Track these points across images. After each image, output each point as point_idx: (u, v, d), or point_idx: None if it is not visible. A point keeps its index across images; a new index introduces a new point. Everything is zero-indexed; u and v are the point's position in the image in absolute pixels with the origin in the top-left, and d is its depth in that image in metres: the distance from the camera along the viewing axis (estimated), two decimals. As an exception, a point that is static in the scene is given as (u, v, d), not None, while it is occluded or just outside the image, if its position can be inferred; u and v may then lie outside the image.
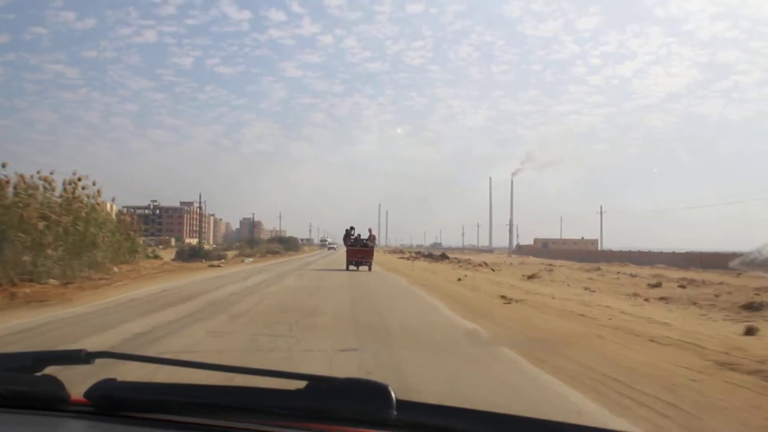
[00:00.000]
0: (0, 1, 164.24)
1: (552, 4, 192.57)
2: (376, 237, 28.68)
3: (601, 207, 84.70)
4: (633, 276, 24.07)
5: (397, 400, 1.09)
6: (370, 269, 26.58)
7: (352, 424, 1.10)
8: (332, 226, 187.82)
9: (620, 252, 54.79)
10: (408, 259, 46.12)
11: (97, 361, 1.27)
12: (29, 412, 1.18)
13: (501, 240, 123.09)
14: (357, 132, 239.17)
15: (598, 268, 30.13)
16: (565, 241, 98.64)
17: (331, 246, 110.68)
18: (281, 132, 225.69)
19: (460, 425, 1.07)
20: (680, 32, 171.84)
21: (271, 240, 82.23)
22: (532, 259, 53.82)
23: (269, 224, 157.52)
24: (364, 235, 28.57)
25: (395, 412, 1.07)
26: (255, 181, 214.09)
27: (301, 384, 1.14)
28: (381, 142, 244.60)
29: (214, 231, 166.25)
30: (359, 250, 27.20)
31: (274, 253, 51.94)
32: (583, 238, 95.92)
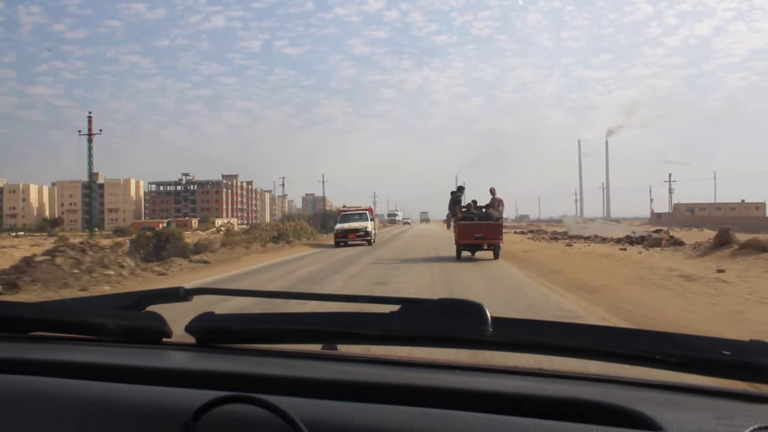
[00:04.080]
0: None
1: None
2: (503, 202, 17.95)
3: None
4: None
5: (492, 317, 1.03)
6: (496, 256, 16.40)
7: (448, 344, 1.09)
8: (404, 200, 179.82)
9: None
10: (529, 238, 33.19)
11: (196, 298, 1.27)
12: (137, 346, 1.21)
13: (592, 209, 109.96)
14: (428, 106, 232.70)
15: None
16: (719, 206, 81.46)
17: (406, 221, 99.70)
18: (352, 109, 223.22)
19: (557, 340, 1.05)
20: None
21: (314, 216, 60.37)
22: (702, 231, 38.14)
23: (338, 201, 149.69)
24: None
25: (491, 329, 1.01)
26: (325, 158, 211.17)
27: (395, 308, 1.09)
28: (452, 115, 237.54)
29: (271, 209, 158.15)
30: (480, 226, 16.63)
31: (288, 240, 29.32)
32: (743, 201, 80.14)
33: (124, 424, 0.86)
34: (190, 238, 28.95)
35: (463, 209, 17.31)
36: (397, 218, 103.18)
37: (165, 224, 74.86)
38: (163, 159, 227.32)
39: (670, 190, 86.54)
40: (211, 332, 1.20)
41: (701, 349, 1.00)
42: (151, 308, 1.28)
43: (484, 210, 17.53)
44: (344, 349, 1.26)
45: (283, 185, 75.80)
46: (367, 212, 28.72)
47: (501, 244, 16.57)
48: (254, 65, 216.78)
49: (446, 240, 23.20)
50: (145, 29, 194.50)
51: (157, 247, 22.60)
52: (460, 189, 18.24)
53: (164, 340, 1.23)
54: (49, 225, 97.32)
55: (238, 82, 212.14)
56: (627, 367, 1.06)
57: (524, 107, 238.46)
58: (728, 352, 0.97)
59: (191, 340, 1.21)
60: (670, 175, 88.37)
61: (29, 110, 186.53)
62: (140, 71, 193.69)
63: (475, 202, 18.09)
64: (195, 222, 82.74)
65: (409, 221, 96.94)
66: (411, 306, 1.09)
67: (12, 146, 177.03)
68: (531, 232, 41.54)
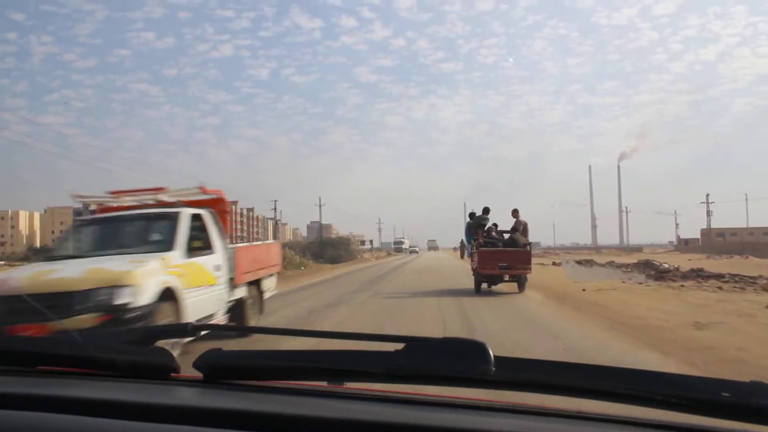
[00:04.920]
0: (86, 28, 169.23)
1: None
2: (527, 224, 15.19)
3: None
4: None
5: (495, 357, 1.04)
6: (522, 289, 13.96)
7: (451, 383, 1.09)
8: (411, 228, 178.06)
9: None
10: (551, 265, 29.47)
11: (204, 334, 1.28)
12: (143, 381, 1.21)
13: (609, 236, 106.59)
14: (435, 133, 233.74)
15: None
16: (751, 231, 75.14)
17: (413, 249, 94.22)
18: (359, 137, 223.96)
19: (559, 380, 1.06)
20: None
21: (311, 244, 52.46)
22: (747, 259, 33.62)
23: (344, 228, 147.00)
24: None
25: (494, 369, 1.02)
26: (331, 186, 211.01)
27: (400, 346, 1.11)
28: (459, 142, 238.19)
29: (273, 236, 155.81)
30: (505, 254, 13.63)
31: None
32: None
33: None
34: None
35: (484, 234, 14.58)
36: (403, 246, 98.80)
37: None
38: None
39: (708, 213, 75.22)
40: (218, 369, 1.19)
41: (701, 390, 1.00)
42: (159, 344, 1.27)
43: (507, 235, 14.83)
44: (350, 385, 1.22)
45: (275, 209, 72.11)
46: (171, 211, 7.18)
47: (528, 273, 13.82)
48: (262, 93, 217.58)
49: (465, 275, 17.31)
50: (154, 58, 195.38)
51: None
52: (486, 212, 15.39)
53: (172, 375, 1.23)
54: (32, 254, 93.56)
55: (245, 110, 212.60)
56: (628, 407, 1.05)
57: (531, 134, 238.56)
58: (728, 394, 0.97)
59: (199, 375, 1.20)
60: (707, 195, 76.02)
61: (39, 139, 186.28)
62: (149, 99, 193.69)
63: (495, 225, 15.32)
64: None
65: (417, 249, 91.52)
66: (415, 344, 1.11)
67: (18, 174, 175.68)
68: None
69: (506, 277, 13.93)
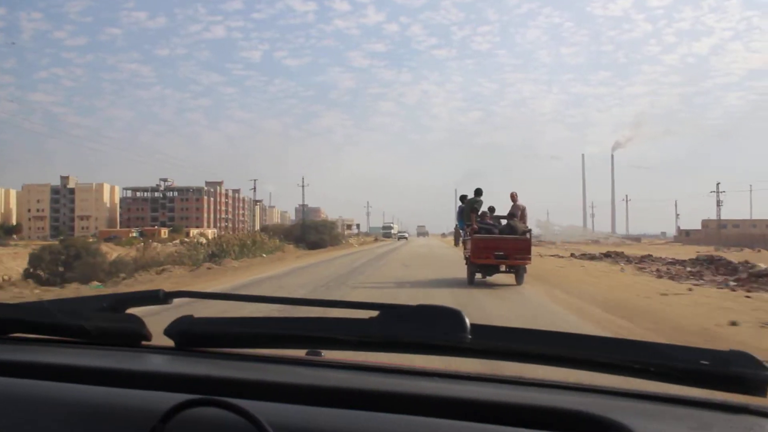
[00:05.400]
0: (77, 5, 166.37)
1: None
2: (526, 209, 13.63)
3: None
4: None
5: (471, 324, 1.02)
6: (520, 281, 12.53)
7: (427, 351, 1.07)
8: (401, 214, 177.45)
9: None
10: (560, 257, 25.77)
11: (175, 301, 1.26)
12: (115, 348, 1.21)
13: (598, 227, 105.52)
14: (426, 120, 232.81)
15: None
16: (754, 222, 72.33)
17: (402, 235, 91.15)
18: (351, 122, 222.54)
19: (533, 348, 1.04)
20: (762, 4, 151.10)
21: (293, 227, 49.66)
22: (759, 252, 30.48)
23: (334, 213, 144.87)
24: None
25: (470, 336, 1.01)
26: (322, 170, 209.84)
27: (375, 313, 1.08)
28: (451, 129, 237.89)
29: (261, 219, 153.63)
30: (503, 241, 12.14)
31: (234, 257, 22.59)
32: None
33: (94, 426, 0.87)
34: (120, 253, 22.44)
35: (477, 219, 13.01)
36: (392, 232, 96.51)
37: (135, 233, 69.55)
38: (159, 169, 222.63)
39: (719, 203, 69.22)
40: (190, 336, 1.17)
41: (680, 359, 0.99)
42: (131, 311, 1.26)
43: (504, 221, 13.29)
44: (328, 355, 1.22)
45: (254, 189, 69.94)
46: None
47: (527, 264, 12.35)
48: (254, 75, 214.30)
49: (459, 267, 14.68)
50: (145, 38, 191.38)
51: (66, 265, 17.68)
52: (478, 193, 13.79)
53: (143, 343, 1.21)
54: (1, 232, 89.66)
55: (237, 92, 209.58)
56: (605, 375, 1.04)
57: (523, 122, 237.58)
58: (707, 362, 0.96)
59: (170, 343, 1.19)
60: (718, 185, 70.21)
61: (29, 116, 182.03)
62: (140, 80, 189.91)
63: (492, 209, 13.78)
64: (164, 232, 76.28)
65: (406, 235, 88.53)
66: (389, 311, 1.09)
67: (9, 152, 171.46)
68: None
69: (503, 268, 12.45)
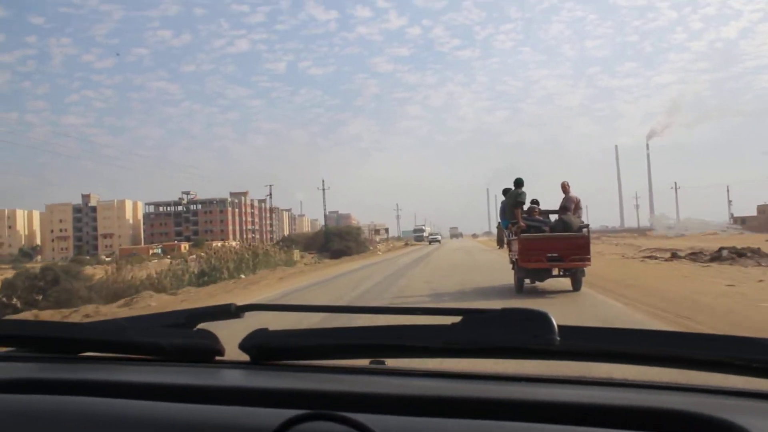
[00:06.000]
0: (103, 29, 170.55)
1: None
2: (580, 201, 11.45)
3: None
4: None
5: (559, 326, 0.98)
6: (577, 287, 10.34)
7: (514, 355, 1.04)
8: (432, 216, 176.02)
9: None
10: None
11: (247, 314, 1.22)
12: (189, 365, 1.17)
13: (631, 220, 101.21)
14: (453, 121, 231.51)
15: None
16: None
17: (434, 238, 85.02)
18: (378, 127, 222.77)
19: (627, 347, 1.00)
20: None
21: (316, 236, 45.77)
22: None
23: (365, 218, 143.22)
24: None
25: (558, 338, 0.96)
26: (350, 177, 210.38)
27: (457, 319, 1.05)
28: (478, 129, 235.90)
29: (291, 228, 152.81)
30: (556, 241, 9.80)
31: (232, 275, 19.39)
32: None
33: None
34: (110, 273, 18.39)
35: (524, 215, 10.85)
36: (424, 235, 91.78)
37: (157, 250, 68.26)
38: (184, 183, 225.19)
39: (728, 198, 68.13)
40: (265, 349, 1.16)
41: None
42: (202, 326, 1.24)
43: (555, 216, 11.12)
44: (398, 363, 1.18)
45: (270, 195, 68.05)
46: None
47: (586, 266, 10.20)
48: (279, 87, 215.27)
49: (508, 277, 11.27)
50: (171, 56, 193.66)
51: (43, 292, 15.70)
52: (519, 184, 11.62)
53: (217, 358, 1.19)
54: (19, 255, 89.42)
55: (263, 104, 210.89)
56: (701, 374, 0.99)
57: (551, 118, 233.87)
58: None
59: (245, 357, 1.16)
60: None
61: (63, 139, 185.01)
62: (168, 97, 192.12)
63: (537, 203, 11.61)
64: (185, 246, 74.46)
65: (438, 238, 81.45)
66: (473, 317, 1.05)
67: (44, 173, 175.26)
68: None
69: (556, 272, 10.29)
